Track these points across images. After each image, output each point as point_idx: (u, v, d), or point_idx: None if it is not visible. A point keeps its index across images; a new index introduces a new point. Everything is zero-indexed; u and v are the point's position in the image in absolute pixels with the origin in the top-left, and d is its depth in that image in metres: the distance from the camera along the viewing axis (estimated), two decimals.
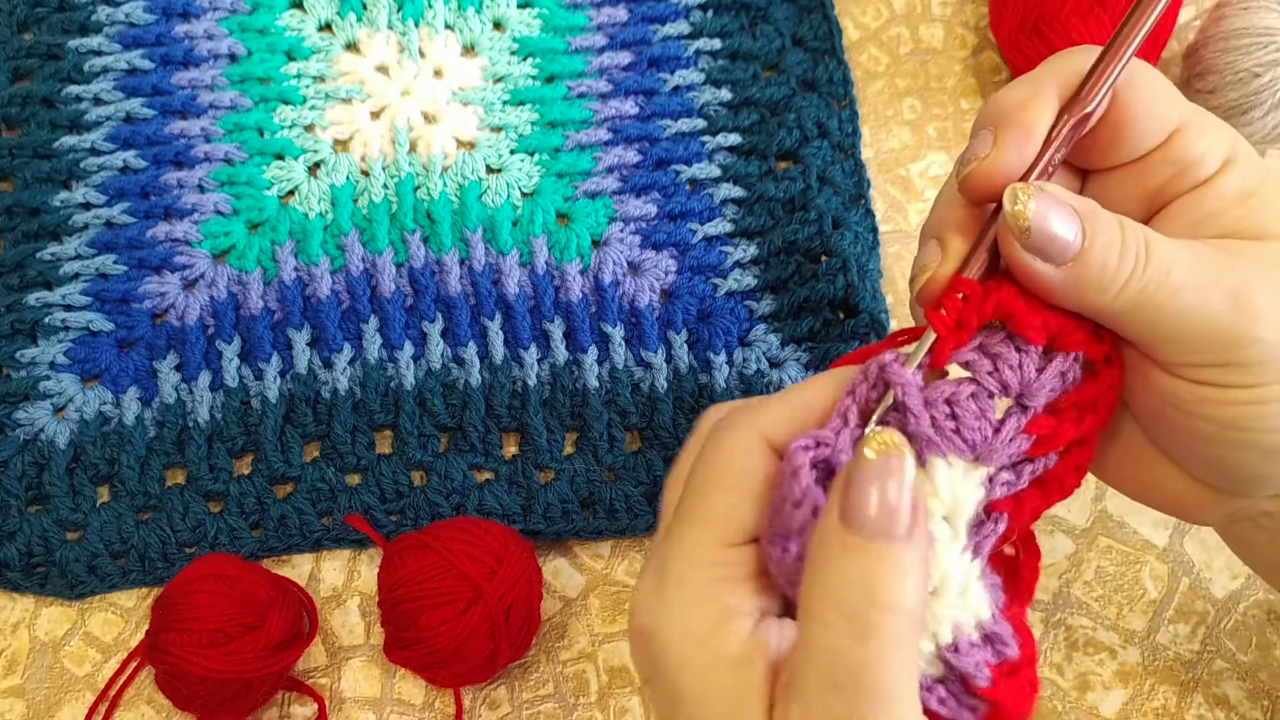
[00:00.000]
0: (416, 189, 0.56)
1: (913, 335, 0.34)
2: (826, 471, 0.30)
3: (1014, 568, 0.34)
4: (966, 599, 0.31)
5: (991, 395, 0.32)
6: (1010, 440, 0.31)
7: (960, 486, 0.31)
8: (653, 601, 0.30)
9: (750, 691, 0.28)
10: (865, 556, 0.27)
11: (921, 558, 0.28)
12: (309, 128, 0.58)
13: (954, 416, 0.31)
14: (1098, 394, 0.33)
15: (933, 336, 0.31)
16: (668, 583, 0.30)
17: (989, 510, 0.32)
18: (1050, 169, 0.33)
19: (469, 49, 0.61)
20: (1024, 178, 0.32)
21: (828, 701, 0.27)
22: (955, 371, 0.32)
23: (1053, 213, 0.31)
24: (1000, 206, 0.32)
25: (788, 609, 0.30)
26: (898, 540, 0.27)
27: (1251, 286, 0.31)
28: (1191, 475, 0.35)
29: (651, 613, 0.30)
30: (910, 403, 0.30)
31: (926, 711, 0.30)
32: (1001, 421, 0.32)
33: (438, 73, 0.60)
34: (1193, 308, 0.31)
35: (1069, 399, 0.33)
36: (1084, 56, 0.34)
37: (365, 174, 0.57)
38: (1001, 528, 0.32)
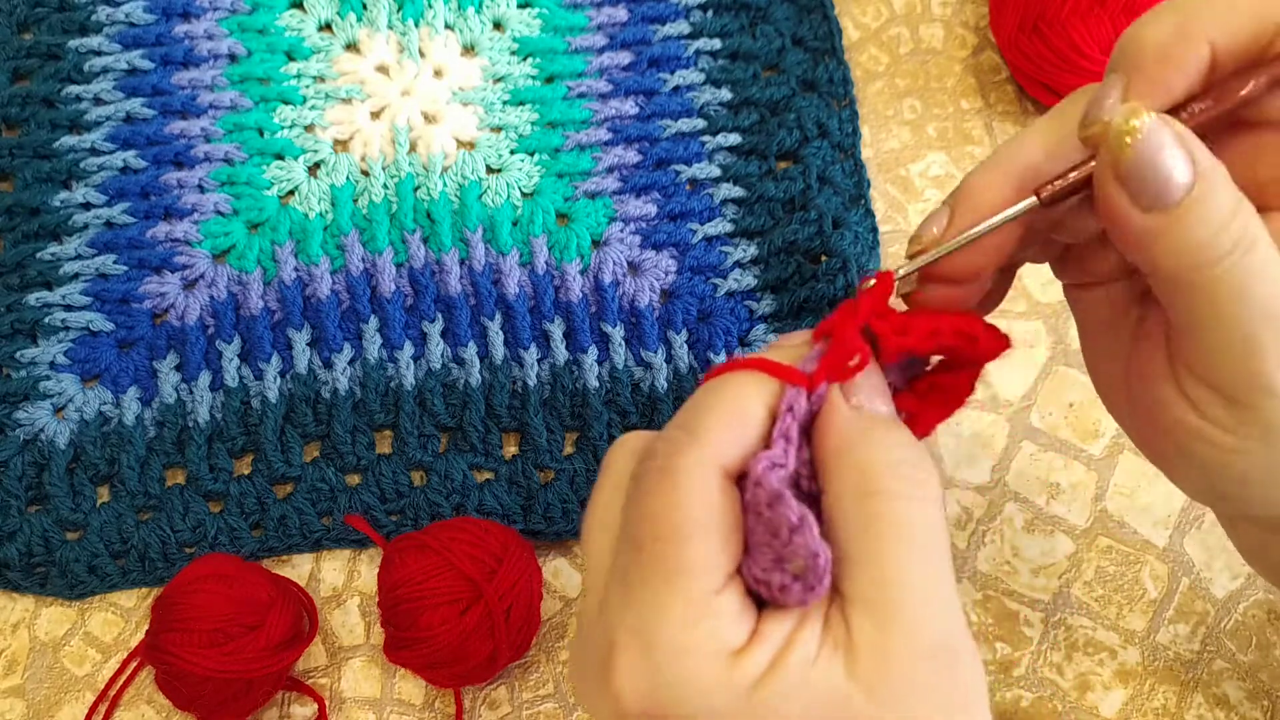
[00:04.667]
0: (416, 189, 0.56)
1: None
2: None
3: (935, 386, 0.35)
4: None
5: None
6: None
7: None
8: (651, 681, 0.26)
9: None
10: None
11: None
12: (309, 128, 0.58)
13: None
14: (958, 384, 0.34)
15: (818, 349, 0.30)
16: (661, 656, 0.26)
17: None
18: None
19: (469, 49, 0.61)
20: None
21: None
22: None
23: (1168, 148, 0.26)
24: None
25: None
26: None
27: None
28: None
29: (653, 693, 0.26)
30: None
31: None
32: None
33: (438, 73, 0.60)
34: (1246, 334, 0.27)
35: (929, 381, 0.34)
36: (1035, 139, 0.31)
37: (365, 174, 0.57)
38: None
